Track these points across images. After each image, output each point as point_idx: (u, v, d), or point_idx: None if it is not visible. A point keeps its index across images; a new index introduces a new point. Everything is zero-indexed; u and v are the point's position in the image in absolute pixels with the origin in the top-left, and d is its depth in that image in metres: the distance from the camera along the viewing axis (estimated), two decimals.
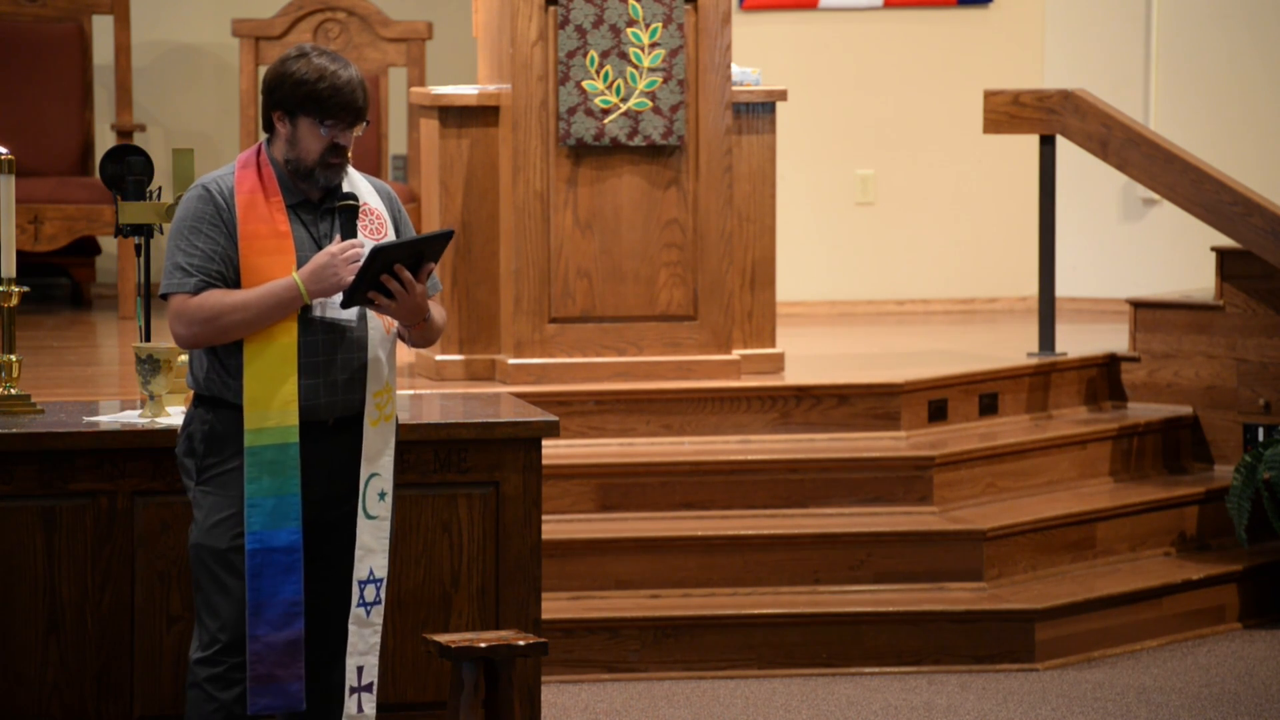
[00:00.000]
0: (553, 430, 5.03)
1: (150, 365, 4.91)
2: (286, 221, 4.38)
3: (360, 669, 4.42)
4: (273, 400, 4.34)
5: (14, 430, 4.84)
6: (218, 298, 4.35)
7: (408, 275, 4.34)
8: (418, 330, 4.47)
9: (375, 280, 4.33)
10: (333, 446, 4.42)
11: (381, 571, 4.42)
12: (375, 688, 4.45)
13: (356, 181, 4.47)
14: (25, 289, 5.08)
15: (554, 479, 6.29)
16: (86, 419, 4.94)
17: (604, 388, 6.60)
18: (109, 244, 8.49)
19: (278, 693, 4.35)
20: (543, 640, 4.73)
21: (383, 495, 4.42)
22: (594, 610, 6.15)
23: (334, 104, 4.35)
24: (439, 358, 6.79)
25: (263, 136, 4.51)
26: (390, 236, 4.45)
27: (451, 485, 4.98)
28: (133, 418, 4.93)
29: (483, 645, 4.66)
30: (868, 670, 6.16)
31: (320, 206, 4.43)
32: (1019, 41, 8.57)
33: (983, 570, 6.38)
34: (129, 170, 5.07)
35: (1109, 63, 8.50)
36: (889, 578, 6.31)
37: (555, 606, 6.05)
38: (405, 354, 7.33)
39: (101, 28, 8.43)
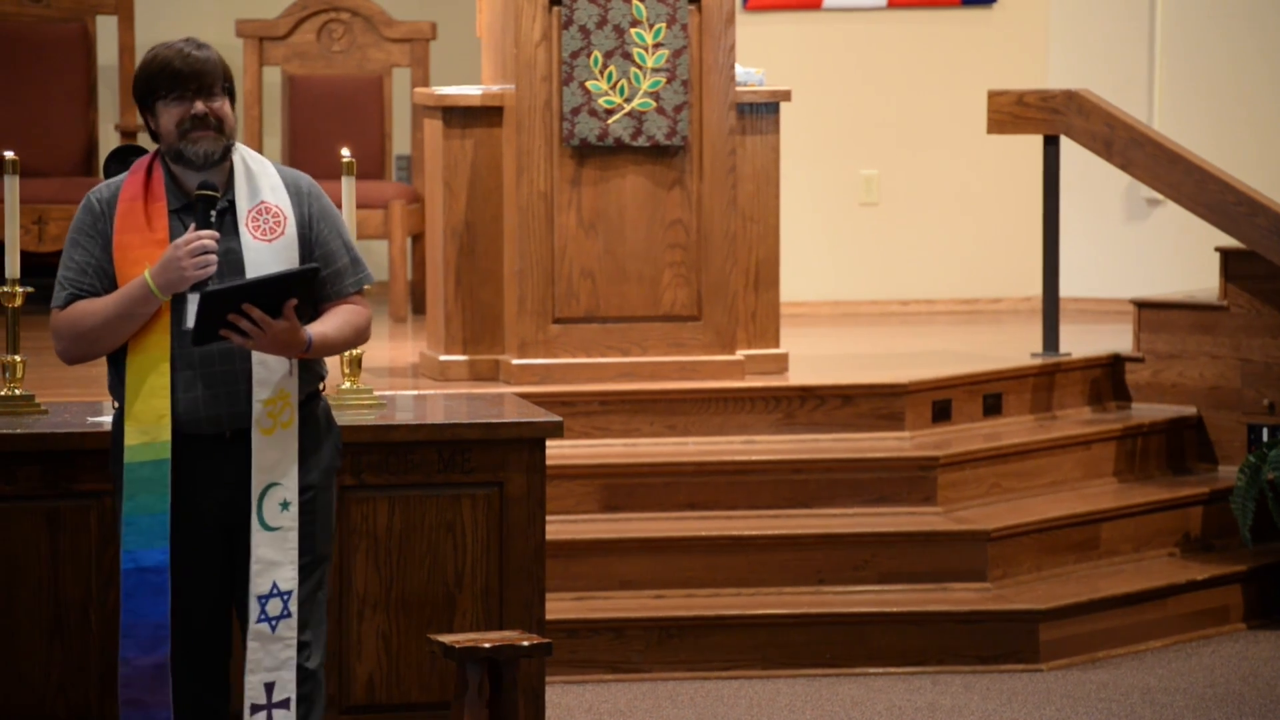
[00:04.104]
0: (557, 431, 5.03)
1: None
2: (166, 227, 4.24)
3: (270, 685, 4.25)
4: (146, 414, 4.22)
5: (18, 430, 4.83)
6: (82, 308, 4.25)
7: (258, 314, 4.15)
8: (310, 356, 4.27)
9: (221, 320, 4.14)
10: (233, 459, 4.26)
11: (288, 584, 4.26)
12: (299, 701, 4.28)
13: (264, 174, 4.28)
14: (30, 289, 5.08)
15: (558, 479, 6.28)
16: (90, 419, 4.93)
17: (608, 388, 6.60)
18: None
19: None
20: (547, 641, 4.73)
21: (285, 505, 4.26)
22: (598, 611, 6.14)
23: (165, 76, 4.20)
24: (443, 358, 6.79)
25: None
26: (288, 235, 4.25)
27: (455, 486, 4.97)
28: None
29: (487, 646, 4.65)
30: (872, 671, 6.15)
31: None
32: (1022, 41, 8.56)
33: (987, 571, 6.37)
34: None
35: (1112, 63, 8.49)
36: (893, 578, 6.31)
37: (559, 607, 6.04)
38: (409, 354, 7.32)
39: (105, 28, 8.43)
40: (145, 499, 4.21)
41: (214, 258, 4.21)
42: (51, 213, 7.97)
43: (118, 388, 4.32)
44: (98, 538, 4.81)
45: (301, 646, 4.32)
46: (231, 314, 4.14)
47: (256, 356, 4.26)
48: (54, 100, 8.25)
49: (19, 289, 5.03)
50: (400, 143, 8.73)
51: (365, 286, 4.39)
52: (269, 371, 4.26)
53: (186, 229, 4.26)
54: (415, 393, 5.63)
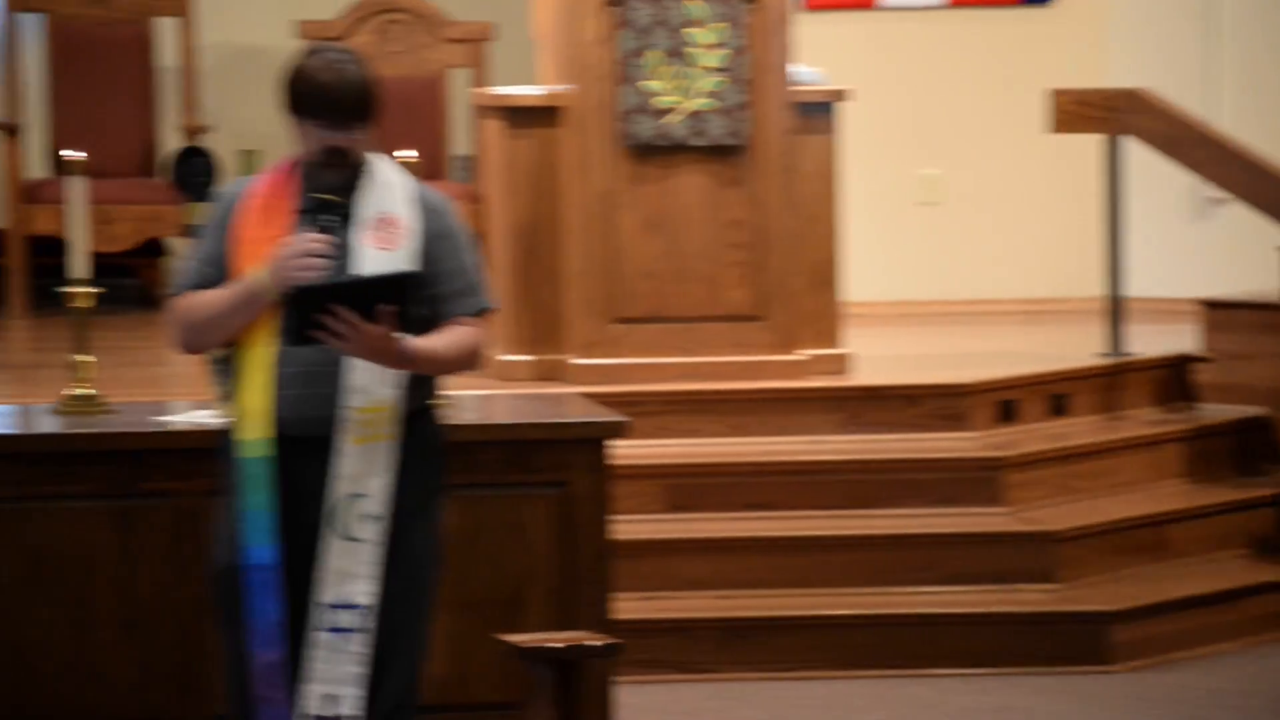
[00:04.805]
0: (620, 430, 5.01)
1: (223, 365, 4.89)
2: (289, 225, 4.19)
3: (331, 697, 4.15)
4: (251, 411, 4.18)
5: (88, 430, 4.84)
6: (196, 298, 4.22)
7: (349, 316, 4.06)
8: (412, 369, 4.18)
9: (315, 320, 4.06)
10: (324, 466, 4.17)
11: (364, 598, 4.13)
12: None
13: (397, 187, 4.23)
14: (98, 290, 5.08)
15: (621, 479, 6.24)
16: (158, 419, 4.94)
17: (670, 388, 6.58)
18: (176, 244, 8.51)
19: (269, 717, 4.15)
20: (616, 641, 4.71)
21: (369, 518, 4.17)
22: (664, 610, 6.12)
23: (321, 102, 4.14)
24: (505, 358, 6.78)
25: None
26: (406, 248, 4.18)
27: (520, 486, 4.96)
28: (204, 417, 4.93)
29: (555, 646, 4.63)
30: (940, 672, 6.12)
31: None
32: (1083, 40, 8.52)
33: (1056, 572, 6.32)
34: (195, 171, 5.07)
35: (1173, 61, 8.44)
36: (960, 579, 6.27)
37: (625, 607, 5.99)
38: None
39: (167, 30, 8.45)
40: (255, 496, 4.18)
41: (320, 261, 4.15)
42: (116, 213, 7.99)
43: (231, 384, 4.28)
44: (170, 536, 4.82)
45: (385, 668, 4.22)
46: (323, 314, 4.09)
47: (353, 363, 4.18)
48: (115, 101, 8.28)
49: (86, 290, 5.04)
50: (458, 143, 8.72)
51: (483, 311, 4.29)
52: (367, 380, 4.18)
53: (311, 230, 4.22)
54: (479, 393, 5.62)
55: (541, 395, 5.77)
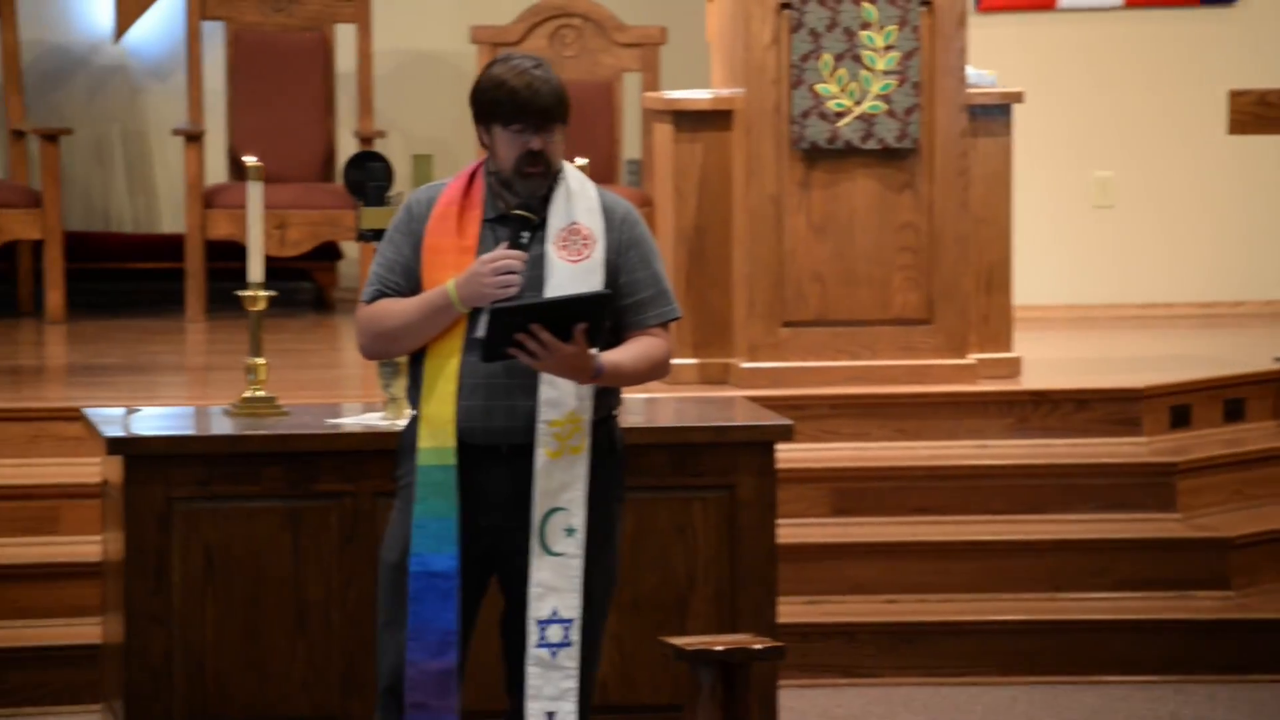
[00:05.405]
0: (787, 434, 5.01)
1: (391, 368, 4.97)
2: (477, 235, 4.22)
3: (550, 715, 4.19)
4: (436, 419, 4.19)
5: (262, 432, 4.93)
6: (385, 306, 4.24)
7: (546, 336, 4.08)
8: (604, 384, 4.20)
9: (510, 338, 4.10)
10: (508, 476, 4.21)
11: (570, 612, 4.18)
12: None
13: (582, 196, 4.26)
14: (273, 293, 5.17)
15: (787, 483, 6.25)
16: (330, 421, 5.01)
17: (837, 391, 6.56)
18: (350, 248, 8.64)
19: None
20: (780, 644, 4.71)
21: (571, 531, 4.19)
22: (830, 614, 6.11)
23: (518, 104, 4.17)
24: (672, 362, 6.78)
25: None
26: (594, 258, 4.21)
27: (686, 489, 4.98)
28: (374, 419, 5.00)
29: (719, 649, 4.64)
30: (1111, 679, 6.05)
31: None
32: (1265, 40, 8.39)
33: (1230, 579, 6.23)
34: (370, 176, 5.13)
35: None
36: (1132, 585, 6.20)
37: (790, 610, 6.01)
38: None
39: (344, 36, 8.58)
40: (435, 503, 4.20)
41: (517, 278, 4.18)
42: (292, 218, 8.13)
43: (413, 391, 4.32)
44: (338, 537, 4.89)
45: (583, 675, 4.26)
46: (520, 333, 4.12)
47: (546, 377, 4.21)
48: (295, 107, 8.41)
49: (262, 293, 5.13)
50: (631, 147, 8.76)
51: (671, 320, 4.31)
52: (560, 393, 4.20)
53: (497, 240, 4.24)
54: (645, 396, 5.65)
55: (708, 399, 5.78)
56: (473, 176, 4.29)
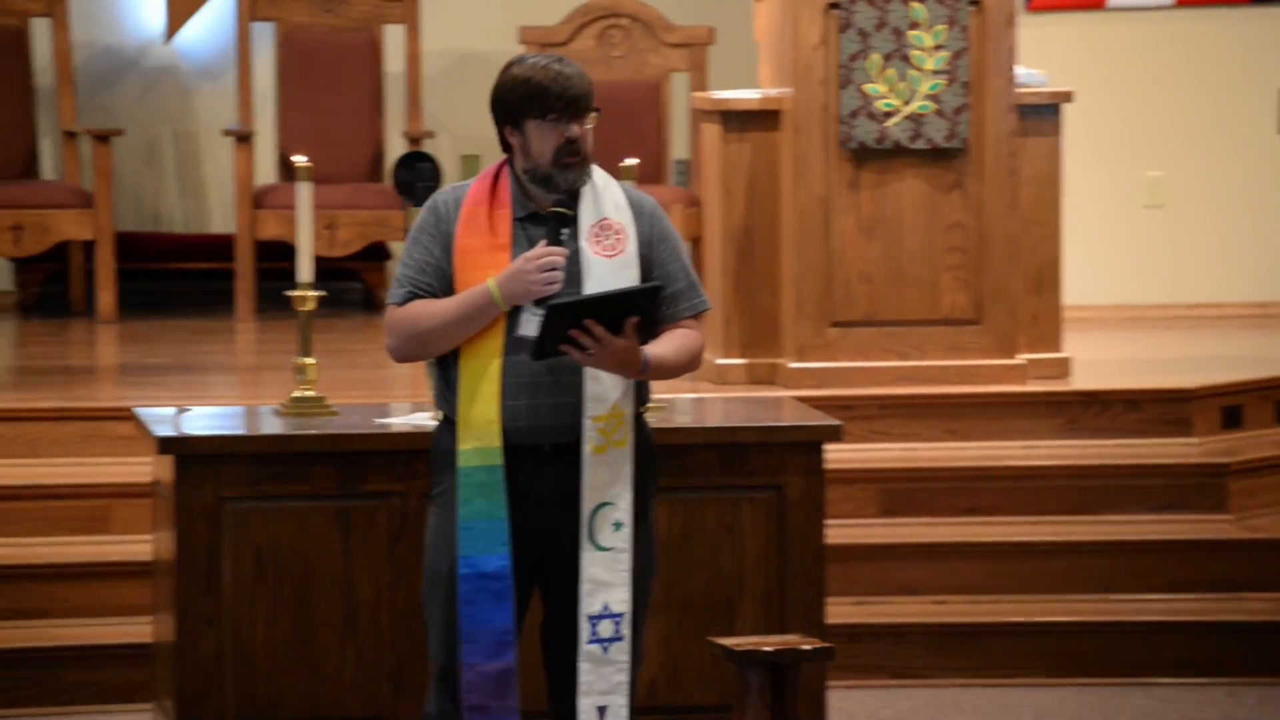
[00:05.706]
0: (835, 434, 5.00)
1: (441, 372, 4.97)
2: (509, 234, 4.22)
3: (602, 709, 4.21)
4: (478, 420, 4.18)
5: (311, 431, 4.94)
6: (419, 308, 4.23)
7: (599, 330, 4.09)
8: (649, 378, 4.22)
9: (563, 334, 4.11)
10: (553, 474, 4.22)
11: (621, 606, 4.19)
12: None
13: (607, 191, 4.26)
14: (322, 293, 5.19)
15: (836, 483, 6.23)
16: (378, 420, 5.02)
17: (886, 392, 6.56)
18: (399, 249, 8.65)
19: None
20: (829, 645, 4.70)
21: (619, 526, 4.20)
22: (878, 615, 6.11)
23: (552, 94, 4.16)
24: (720, 362, 6.80)
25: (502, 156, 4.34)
26: (628, 253, 4.22)
27: (735, 489, 4.97)
28: (423, 420, 5.01)
29: (768, 650, 4.64)
30: (1162, 681, 6.03)
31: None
32: None
33: None
34: (419, 176, 5.14)
35: None
36: (1183, 587, 6.17)
37: (839, 611, 6.00)
38: None
39: (393, 36, 8.60)
40: (481, 504, 4.19)
41: (561, 274, 4.18)
42: (341, 218, 8.16)
43: (446, 393, 4.31)
44: (387, 537, 4.90)
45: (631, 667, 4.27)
46: (574, 329, 4.12)
47: (590, 373, 4.21)
48: (344, 108, 8.44)
49: (311, 293, 5.14)
50: (678, 147, 8.76)
51: (703, 312, 4.32)
52: (604, 389, 4.21)
53: (529, 238, 4.24)
54: (694, 396, 5.65)
55: (756, 399, 5.78)
56: (496, 177, 4.29)
